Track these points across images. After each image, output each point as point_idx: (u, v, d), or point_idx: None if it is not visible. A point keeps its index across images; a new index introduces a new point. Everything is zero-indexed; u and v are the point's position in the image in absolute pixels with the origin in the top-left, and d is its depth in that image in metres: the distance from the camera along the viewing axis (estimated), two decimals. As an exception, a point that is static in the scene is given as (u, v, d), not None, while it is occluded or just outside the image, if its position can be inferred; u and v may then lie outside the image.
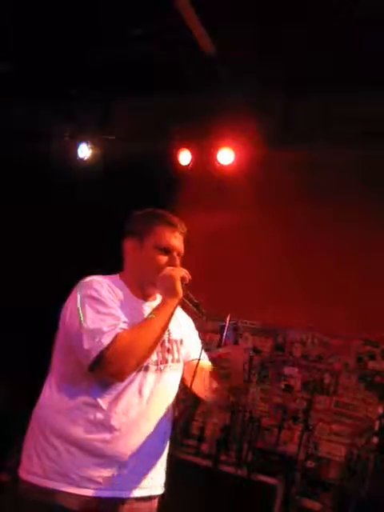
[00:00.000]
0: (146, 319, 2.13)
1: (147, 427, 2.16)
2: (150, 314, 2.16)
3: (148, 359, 2.13)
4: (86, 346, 2.02)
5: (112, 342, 2.01)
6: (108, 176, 5.26)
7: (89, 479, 2.06)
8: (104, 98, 5.59)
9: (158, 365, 2.21)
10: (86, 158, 5.39)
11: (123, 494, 2.12)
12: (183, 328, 2.40)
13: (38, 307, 4.80)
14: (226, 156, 5.00)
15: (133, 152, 5.39)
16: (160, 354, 2.23)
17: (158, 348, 2.22)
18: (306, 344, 5.23)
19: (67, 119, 5.55)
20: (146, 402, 2.15)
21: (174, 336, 2.31)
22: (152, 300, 2.29)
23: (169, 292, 2.17)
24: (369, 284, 4.90)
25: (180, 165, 5.18)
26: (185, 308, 2.39)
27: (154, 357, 2.19)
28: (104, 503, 2.08)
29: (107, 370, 2.03)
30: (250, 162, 4.98)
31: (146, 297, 2.29)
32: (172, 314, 2.16)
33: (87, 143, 5.39)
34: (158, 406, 2.20)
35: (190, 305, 2.26)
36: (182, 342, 2.34)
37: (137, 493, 2.15)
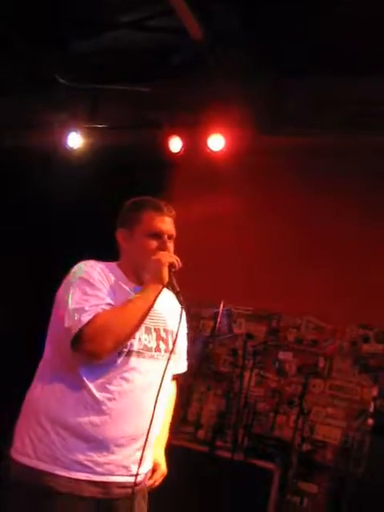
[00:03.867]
0: (127, 301, 2.15)
1: (138, 414, 2.16)
2: (132, 297, 2.17)
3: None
4: (66, 324, 2.06)
5: (90, 321, 2.03)
6: (98, 165, 5.23)
7: (78, 463, 2.07)
8: (93, 87, 5.55)
9: (152, 351, 2.21)
10: (76, 147, 5.37)
11: (112, 479, 2.13)
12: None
13: (33, 295, 4.81)
14: (216, 142, 4.97)
15: (123, 140, 5.37)
16: (155, 342, 2.24)
17: (154, 335, 2.24)
18: (300, 329, 5.25)
19: (57, 108, 5.51)
20: (137, 389, 2.16)
21: (169, 326, 2.32)
22: None
23: (154, 277, 2.18)
24: (364, 269, 4.92)
25: (171, 152, 5.16)
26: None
27: (149, 343, 2.20)
28: (92, 487, 2.09)
29: (85, 347, 2.04)
30: (241, 147, 4.95)
31: (141, 283, 2.27)
32: (154, 300, 2.15)
33: (77, 132, 5.36)
34: (151, 393, 2.18)
35: (172, 292, 2.28)
36: (176, 335, 2.28)
37: (126, 479, 2.16)
